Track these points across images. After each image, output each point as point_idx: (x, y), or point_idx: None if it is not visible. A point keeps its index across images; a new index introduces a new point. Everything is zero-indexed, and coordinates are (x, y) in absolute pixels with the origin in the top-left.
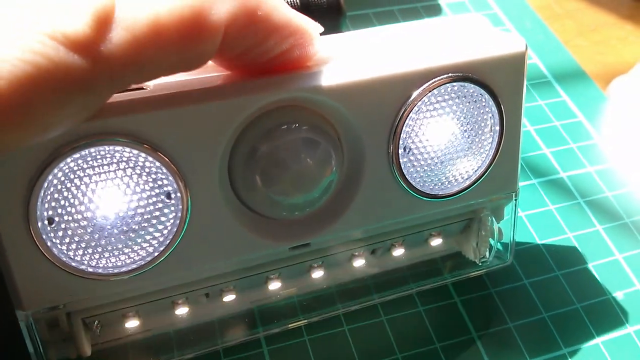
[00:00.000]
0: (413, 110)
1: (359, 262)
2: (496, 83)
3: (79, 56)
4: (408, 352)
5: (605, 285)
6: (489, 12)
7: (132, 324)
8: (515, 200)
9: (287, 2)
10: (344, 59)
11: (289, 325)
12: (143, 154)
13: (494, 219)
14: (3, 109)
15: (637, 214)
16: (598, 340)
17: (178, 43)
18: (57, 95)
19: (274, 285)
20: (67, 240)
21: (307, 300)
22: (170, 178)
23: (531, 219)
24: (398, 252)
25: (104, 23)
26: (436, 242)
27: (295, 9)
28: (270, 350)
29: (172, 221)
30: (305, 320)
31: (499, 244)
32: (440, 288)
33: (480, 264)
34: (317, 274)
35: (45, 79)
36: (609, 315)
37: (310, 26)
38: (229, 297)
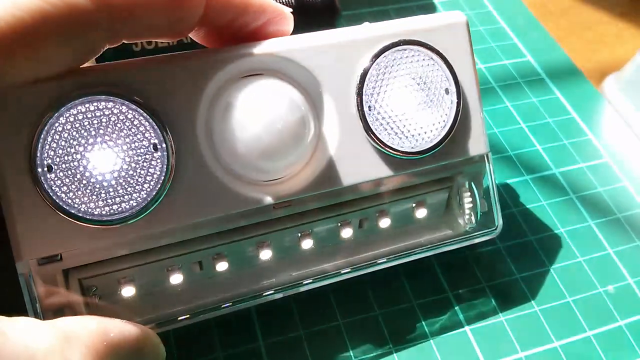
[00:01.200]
0: (371, 72)
1: (347, 232)
2: (443, 47)
3: None
4: (402, 345)
5: (597, 280)
6: (483, 10)
7: (128, 291)
8: (489, 163)
9: (282, 1)
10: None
11: (279, 294)
12: (132, 108)
13: (473, 183)
14: (14, 41)
15: (628, 209)
16: (589, 333)
17: (166, 4)
18: (62, 30)
19: (266, 254)
20: (64, 187)
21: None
22: (157, 131)
23: (524, 215)
24: (385, 222)
25: None
26: (422, 213)
27: (290, 8)
28: (266, 345)
29: (158, 173)
30: (297, 289)
31: (485, 213)
32: (434, 282)
33: (469, 230)
34: (307, 243)
35: (55, 15)
36: (600, 308)
37: (282, 6)
38: (222, 266)
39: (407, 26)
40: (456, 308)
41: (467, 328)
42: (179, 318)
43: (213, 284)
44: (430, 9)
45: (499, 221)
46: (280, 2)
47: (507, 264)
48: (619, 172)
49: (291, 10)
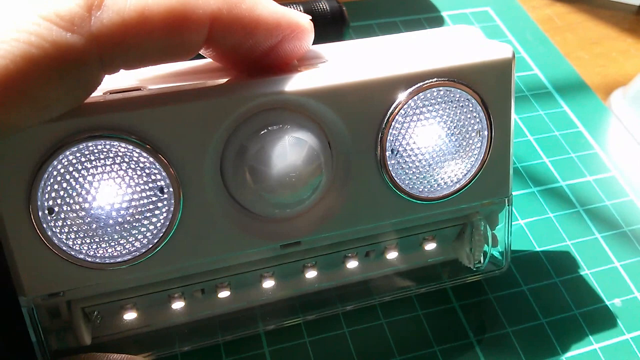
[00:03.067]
0: (400, 113)
1: (352, 264)
2: (483, 88)
3: (71, 34)
4: (407, 354)
5: (603, 293)
6: (491, 24)
7: (130, 316)
8: (509, 206)
9: None
10: (333, 63)
11: (285, 323)
12: (137, 150)
13: (487, 224)
14: (3, 88)
15: (635, 222)
16: (595, 346)
17: (163, 30)
18: (52, 72)
19: (268, 284)
20: (66, 229)
21: (304, 299)
22: (164, 173)
23: (530, 227)
24: (392, 255)
25: (95, 5)
26: (430, 246)
27: None
28: (271, 351)
29: (165, 215)
30: (301, 319)
31: (494, 250)
32: (440, 293)
33: (475, 270)
34: (311, 274)
35: (40, 57)
36: (606, 322)
37: (299, 19)
38: (224, 294)
39: (445, 61)
40: (462, 319)
41: (472, 337)
42: (181, 349)
43: (214, 308)
44: (438, 21)
45: (506, 263)
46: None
47: (514, 275)
48: (626, 185)
49: (310, 17)
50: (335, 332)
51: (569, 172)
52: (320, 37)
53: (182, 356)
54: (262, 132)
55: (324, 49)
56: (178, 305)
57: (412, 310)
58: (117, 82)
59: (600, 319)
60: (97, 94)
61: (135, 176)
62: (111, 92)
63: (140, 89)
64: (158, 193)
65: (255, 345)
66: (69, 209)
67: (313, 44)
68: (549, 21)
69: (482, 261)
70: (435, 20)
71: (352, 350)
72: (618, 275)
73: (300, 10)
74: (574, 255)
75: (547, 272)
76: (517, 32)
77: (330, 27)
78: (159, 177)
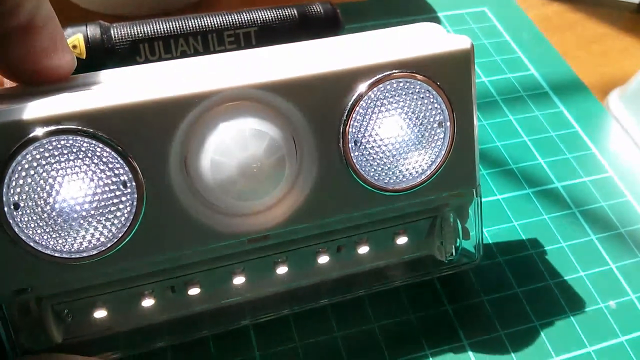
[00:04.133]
0: (360, 105)
1: (323, 259)
2: (443, 80)
3: None
4: (398, 358)
5: (598, 295)
6: (487, 24)
7: (100, 314)
8: (477, 197)
9: (285, 15)
10: (297, 58)
11: (261, 318)
12: (100, 145)
13: (457, 217)
14: None
15: (631, 224)
16: (590, 349)
17: None
18: None
19: (239, 280)
20: (31, 224)
21: (279, 295)
22: (126, 168)
23: (525, 228)
24: (363, 249)
25: None
26: (402, 240)
27: (293, 23)
28: (261, 355)
29: (128, 209)
30: (275, 314)
31: (465, 242)
32: (432, 295)
33: (447, 262)
34: (282, 269)
35: None
36: (601, 324)
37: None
38: (194, 291)
39: (404, 53)
40: (455, 321)
41: (463, 340)
42: (156, 345)
43: (185, 305)
44: (434, 22)
45: (480, 254)
46: (283, 16)
47: (507, 277)
48: (623, 186)
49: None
50: (326, 337)
51: (564, 173)
52: (315, 40)
53: (172, 353)
54: (223, 124)
55: (283, 48)
56: (148, 303)
57: (404, 312)
58: (103, 82)
59: (595, 321)
60: (69, 92)
61: (98, 171)
62: (77, 91)
63: (105, 87)
64: (121, 187)
65: (245, 347)
66: (33, 203)
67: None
68: (546, 20)
69: (453, 254)
70: (431, 21)
71: (343, 353)
72: (613, 277)
73: (294, 13)
74: (569, 257)
75: (541, 274)
76: (514, 32)
77: (325, 30)
78: (121, 171)
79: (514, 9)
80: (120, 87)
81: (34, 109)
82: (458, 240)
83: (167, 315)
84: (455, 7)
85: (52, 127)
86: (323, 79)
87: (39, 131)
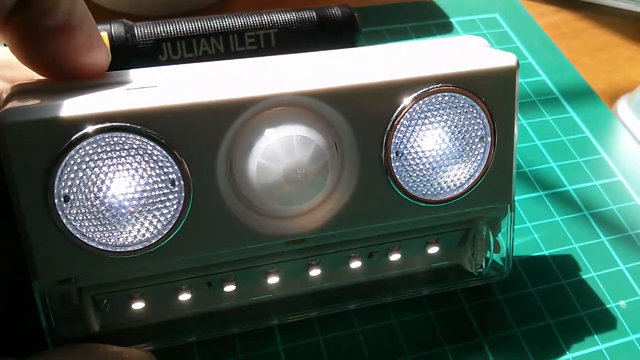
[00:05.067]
0: (405, 117)
1: (355, 264)
2: (487, 95)
3: None
4: (418, 353)
5: (609, 295)
6: (499, 30)
7: (138, 305)
8: (512, 212)
9: (305, 17)
10: (343, 67)
11: (289, 319)
12: (151, 143)
13: (489, 230)
14: None
15: None
16: (601, 346)
17: None
18: None
19: (273, 280)
20: (80, 217)
21: (308, 297)
22: (175, 167)
23: (538, 230)
24: (395, 257)
25: None
26: (433, 250)
27: (312, 26)
28: (284, 349)
29: (175, 207)
30: (303, 315)
31: (496, 256)
32: (450, 294)
33: (476, 274)
34: (315, 272)
35: None
36: (612, 323)
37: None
38: (230, 288)
39: (450, 67)
40: (472, 320)
41: (480, 337)
42: (187, 339)
43: (217, 300)
44: (447, 27)
45: (509, 267)
46: (302, 18)
47: (522, 277)
48: (632, 190)
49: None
50: (347, 331)
51: (575, 176)
52: (333, 42)
53: (198, 347)
54: (270, 129)
55: (337, 54)
56: (185, 297)
57: (423, 310)
58: (135, 81)
59: (606, 320)
60: (118, 89)
61: (148, 168)
62: (129, 89)
63: (156, 87)
64: (169, 185)
65: (269, 342)
66: (83, 197)
67: (326, 50)
68: (555, 28)
69: (484, 266)
70: (444, 26)
71: (364, 348)
72: (623, 278)
73: (313, 16)
74: (581, 257)
75: (554, 274)
76: (525, 39)
77: (342, 34)
78: (170, 170)
79: (524, 16)
80: (169, 87)
81: (86, 105)
82: (489, 252)
83: (199, 309)
84: (468, 13)
85: (107, 124)
86: (370, 89)
87: (92, 127)
